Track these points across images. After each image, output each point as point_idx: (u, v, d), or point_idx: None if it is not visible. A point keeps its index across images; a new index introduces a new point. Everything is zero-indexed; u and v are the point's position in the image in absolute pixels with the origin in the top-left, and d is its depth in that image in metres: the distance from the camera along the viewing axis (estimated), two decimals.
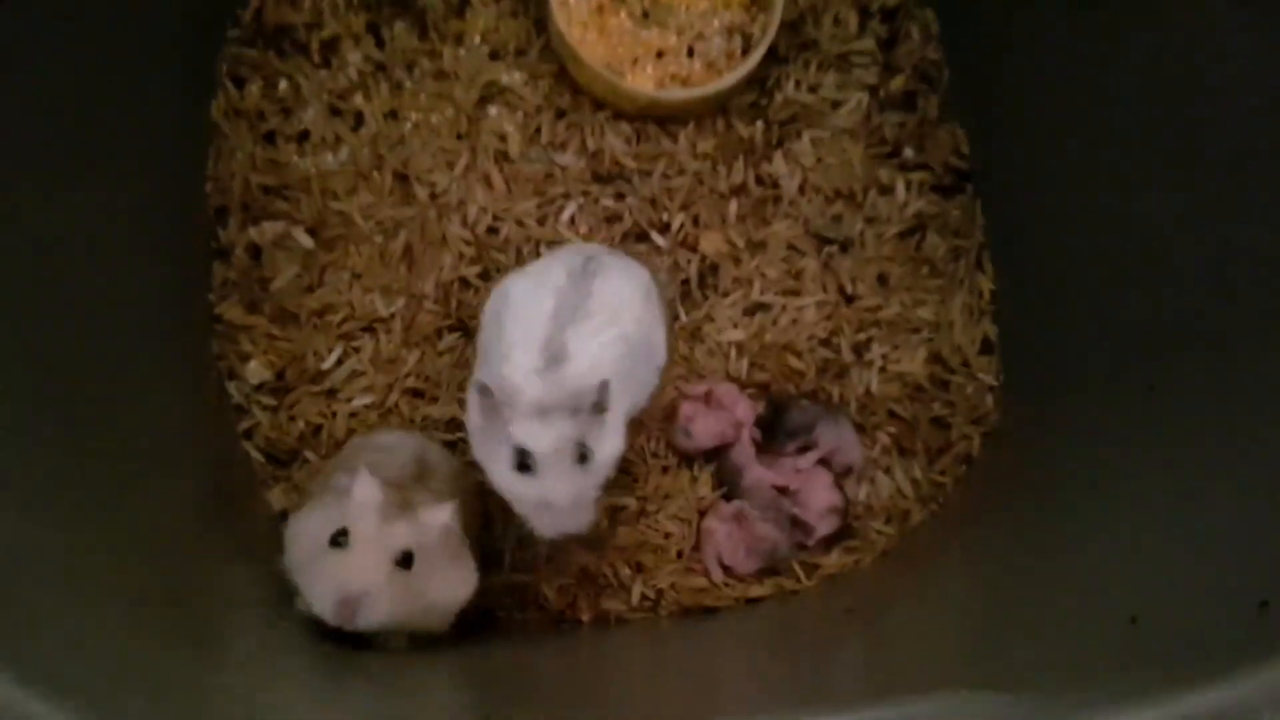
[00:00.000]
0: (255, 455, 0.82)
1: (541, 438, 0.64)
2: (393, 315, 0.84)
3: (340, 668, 0.62)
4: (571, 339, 0.68)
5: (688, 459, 0.84)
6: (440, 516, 0.63)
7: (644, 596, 0.81)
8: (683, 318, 0.86)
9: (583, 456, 0.65)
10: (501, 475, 0.66)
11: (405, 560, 0.61)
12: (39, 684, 0.40)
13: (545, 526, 0.65)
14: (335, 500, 0.63)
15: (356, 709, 0.57)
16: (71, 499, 0.56)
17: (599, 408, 0.66)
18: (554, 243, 0.86)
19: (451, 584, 0.66)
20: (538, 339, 0.68)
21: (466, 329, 0.84)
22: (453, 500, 0.65)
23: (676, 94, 0.86)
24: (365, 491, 0.61)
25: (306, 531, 0.64)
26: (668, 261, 0.86)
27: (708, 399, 0.82)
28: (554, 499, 0.64)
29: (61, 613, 0.48)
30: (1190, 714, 0.39)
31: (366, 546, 0.60)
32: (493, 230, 0.86)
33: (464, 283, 0.85)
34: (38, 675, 0.41)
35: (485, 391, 0.65)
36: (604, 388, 0.65)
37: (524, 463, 0.64)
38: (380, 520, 0.60)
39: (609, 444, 0.68)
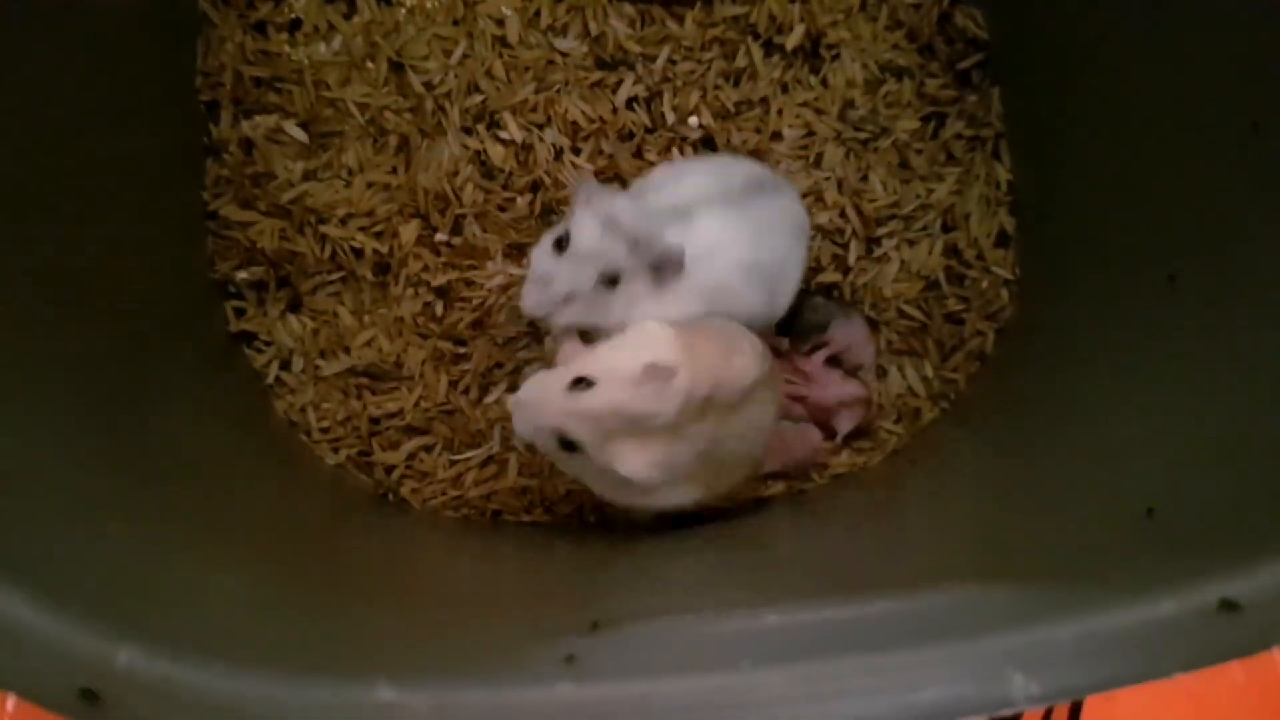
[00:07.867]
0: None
1: (586, 232, 0.61)
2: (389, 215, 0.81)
3: None
4: (703, 213, 0.66)
5: None
6: None
7: None
8: None
9: (612, 280, 0.63)
10: (540, 248, 0.64)
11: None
12: None
13: (524, 301, 0.63)
14: None
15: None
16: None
17: (661, 268, 0.63)
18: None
19: None
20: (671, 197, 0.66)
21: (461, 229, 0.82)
22: None
23: None
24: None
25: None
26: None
27: None
28: (551, 281, 0.62)
29: None
30: (1211, 604, 0.39)
31: None
32: (493, 123, 0.82)
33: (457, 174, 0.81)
34: None
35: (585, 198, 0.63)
36: (677, 255, 0.63)
37: (560, 244, 0.63)
38: None
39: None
